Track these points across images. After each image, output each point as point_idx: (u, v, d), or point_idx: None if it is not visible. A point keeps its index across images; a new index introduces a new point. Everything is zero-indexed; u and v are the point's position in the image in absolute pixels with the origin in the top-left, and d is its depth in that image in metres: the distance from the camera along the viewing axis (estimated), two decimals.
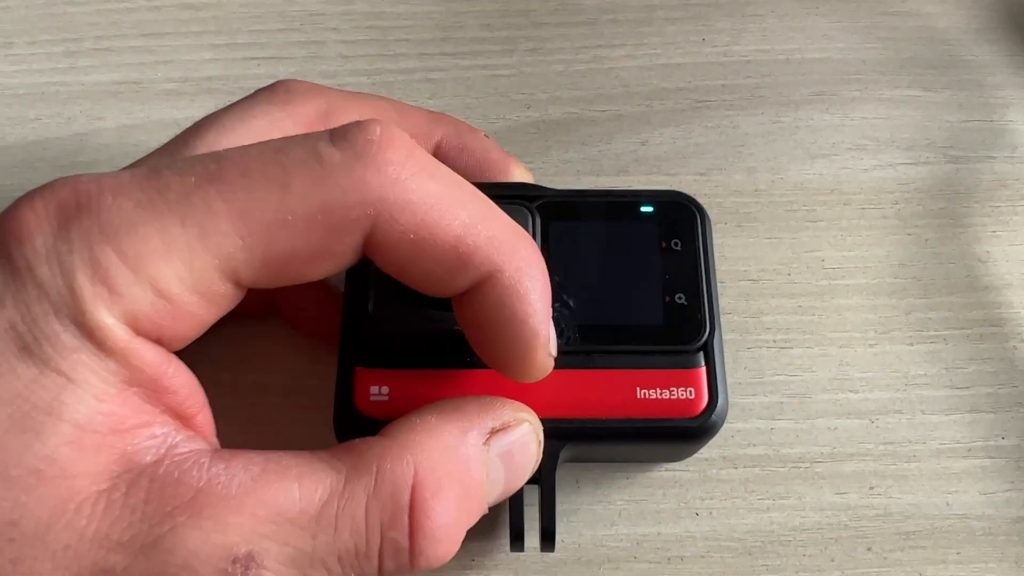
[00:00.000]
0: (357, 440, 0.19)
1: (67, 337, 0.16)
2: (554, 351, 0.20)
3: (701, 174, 0.31)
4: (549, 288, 0.20)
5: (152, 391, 0.18)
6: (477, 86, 0.33)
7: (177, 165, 0.18)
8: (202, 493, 0.17)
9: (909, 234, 0.30)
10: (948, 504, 0.25)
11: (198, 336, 0.19)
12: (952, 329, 0.28)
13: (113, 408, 0.17)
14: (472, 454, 0.20)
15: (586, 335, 0.23)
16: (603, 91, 0.33)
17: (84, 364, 0.17)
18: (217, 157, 0.18)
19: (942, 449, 0.26)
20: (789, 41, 0.34)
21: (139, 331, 0.17)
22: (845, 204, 0.30)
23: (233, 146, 0.22)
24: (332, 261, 0.18)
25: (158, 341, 0.18)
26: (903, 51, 0.34)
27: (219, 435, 0.20)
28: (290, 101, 0.23)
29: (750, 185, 0.31)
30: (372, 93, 0.26)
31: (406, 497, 0.18)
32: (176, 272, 0.17)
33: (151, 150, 0.32)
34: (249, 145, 0.18)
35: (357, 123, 0.18)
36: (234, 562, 0.17)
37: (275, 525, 0.17)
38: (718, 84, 0.33)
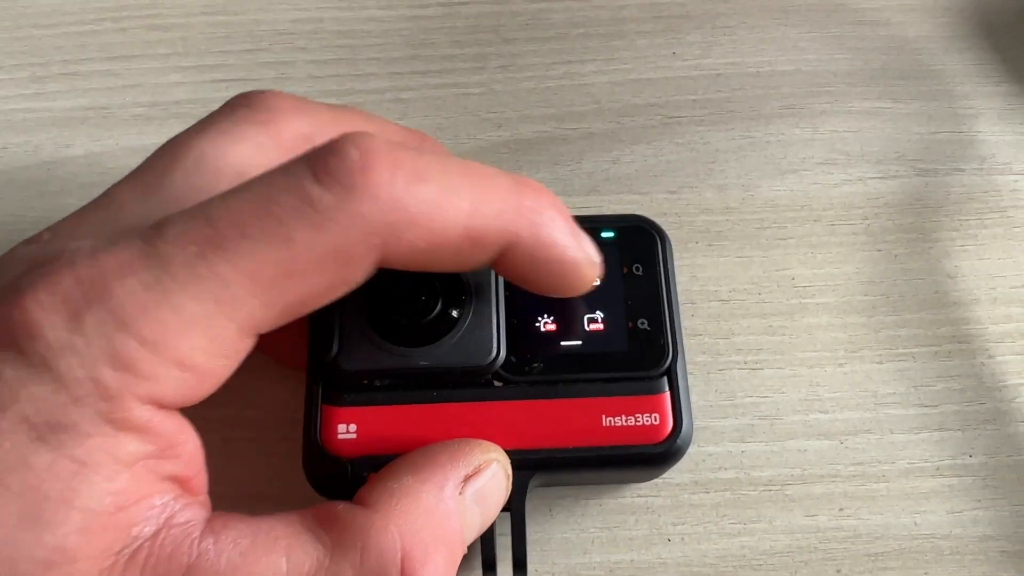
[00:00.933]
0: (340, 506, 0.19)
1: (86, 425, 0.16)
2: (596, 258, 0.21)
3: (672, 192, 0.31)
4: (567, 216, 0.20)
5: (161, 460, 0.18)
6: (448, 105, 0.33)
7: (171, 233, 0.17)
8: (193, 570, 0.17)
9: (879, 250, 0.30)
10: (916, 524, 0.25)
11: (217, 389, 0.19)
12: (921, 346, 0.28)
13: (122, 486, 0.17)
14: (451, 508, 0.20)
15: (551, 364, 0.23)
16: (574, 108, 0.33)
17: (99, 447, 0.17)
18: (208, 217, 0.17)
19: (910, 468, 0.26)
20: (759, 53, 0.34)
21: (163, 405, 0.17)
22: (815, 220, 0.30)
23: (217, 176, 0.21)
24: (347, 286, 0.19)
25: (179, 406, 0.18)
26: (873, 61, 0.34)
27: None
28: (273, 121, 0.22)
29: (721, 203, 0.31)
30: (347, 106, 0.26)
31: (395, 571, 0.19)
32: (199, 345, 0.17)
33: (120, 177, 0.32)
34: (237, 196, 0.18)
35: (333, 151, 0.18)
36: None
37: None
38: (688, 99, 0.33)
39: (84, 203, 0.32)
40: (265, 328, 0.18)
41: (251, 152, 0.22)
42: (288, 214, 0.17)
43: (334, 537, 0.19)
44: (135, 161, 0.32)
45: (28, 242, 0.22)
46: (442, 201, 0.18)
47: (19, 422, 0.16)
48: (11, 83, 0.34)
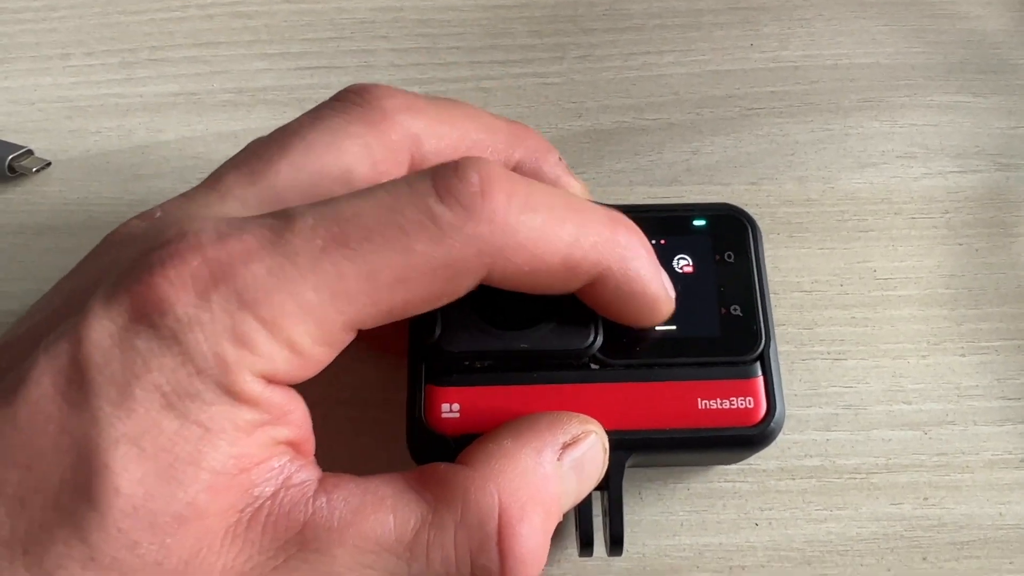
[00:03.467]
0: (441, 467, 0.21)
1: (208, 395, 0.18)
2: (671, 293, 0.23)
3: (752, 183, 0.32)
4: (652, 253, 0.22)
5: (275, 427, 0.19)
6: (528, 94, 0.34)
7: (299, 225, 0.19)
8: (308, 526, 0.19)
9: (960, 244, 0.30)
10: (1001, 514, 0.26)
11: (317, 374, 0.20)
12: (1004, 340, 0.28)
13: (243, 450, 0.18)
14: (549, 472, 0.21)
15: (647, 348, 0.24)
16: (653, 99, 0.34)
17: (221, 415, 0.18)
18: (338, 217, 0.19)
19: (994, 460, 0.27)
20: (837, 46, 0.35)
21: (272, 381, 0.19)
22: (896, 214, 0.31)
23: (323, 170, 0.22)
24: (449, 297, 0.20)
25: (285, 384, 0.19)
26: (952, 55, 0.34)
27: None
28: (382, 121, 0.23)
29: (801, 195, 0.31)
30: (455, 101, 0.26)
31: (493, 525, 0.20)
32: (309, 331, 0.18)
33: (212, 162, 0.32)
34: (365, 200, 0.19)
35: (456, 172, 0.19)
36: None
37: (374, 555, 0.19)
38: (767, 91, 0.34)
39: (178, 187, 0.33)
40: (368, 325, 0.20)
41: (358, 150, 0.23)
42: (412, 225, 0.19)
43: (436, 494, 0.20)
44: (225, 146, 0.33)
45: (141, 217, 0.23)
46: (547, 228, 0.20)
47: (151, 390, 0.17)
48: (102, 68, 0.35)
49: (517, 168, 0.26)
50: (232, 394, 0.18)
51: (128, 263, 0.19)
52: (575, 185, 0.26)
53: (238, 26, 0.36)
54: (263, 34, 0.36)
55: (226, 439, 0.18)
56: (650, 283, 0.22)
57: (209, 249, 0.18)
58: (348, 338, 0.20)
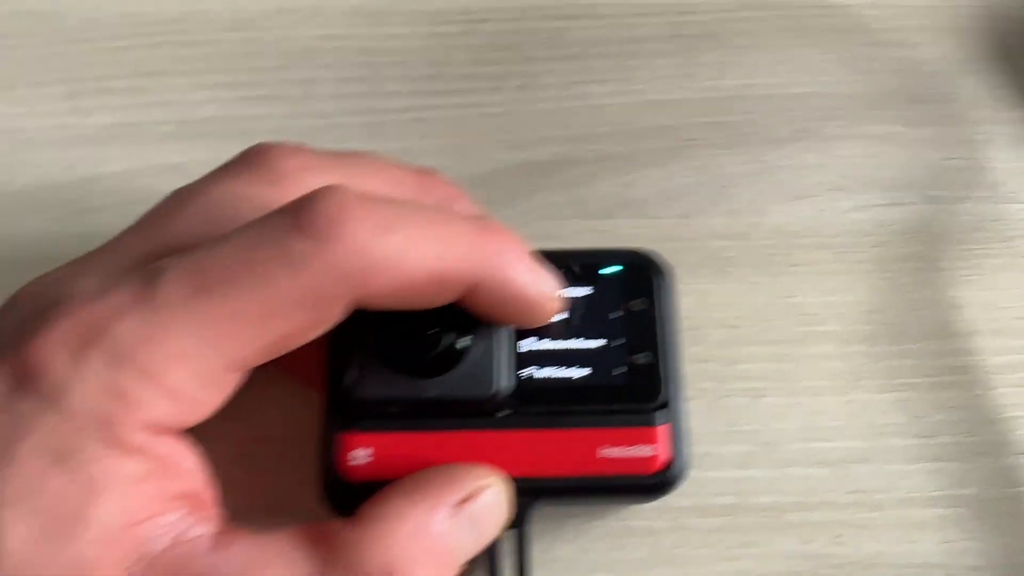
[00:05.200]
0: (335, 524, 0.21)
1: (94, 449, 0.19)
2: (555, 292, 0.23)
3: (683, 217, 0.32)
4: (526, 256, 0.22)
5: (164, 479, 0.20)
6: (467, 125, 0.34)
7: (165, 277, 0.20)
8: None
9: (885, 278, 0.30)
10: (910, 553, 0.26)
11: (210, 416, 0.21)
12: (922, 377, 0.29)
13: (130, 504, 0.19)
14: (443, 530, 0.21)
15: (553, 396, 0.24)
16: (590, 130, 0.34)
17: (107, 468, 0.19)
18: (199, 265, 0.20)
19: (906, 498, 0.27)
20: (774, 75, 0.35)
21: (158, 431, 0.20)
22: (824, 247, 0.31)
23: (217, 230, 0.23)
24: (325, 325, 0.21)
25: (176, 430, 0.20)
26: (886, 84, 0.34)
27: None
28: (280, 182, 0.24)
29: (732, 228, 0.32)
30: (359, 156, 0.27)
31: None
32: (189, 376, 0.19)
33: (156, 194, 0.33)
34: (224, 244, 0.20)
35: (311, 203, 0.20)
36: None
37: None
38: (702, 122, 0.34)
39: (121, 221, 0.33)
40: (251, 363, 0.20)
41: (253, 211, 0.23)
42: (269, 261, 0.19)
43: (325, 554, 0.20)
44: (171, 177, 0.33)
45: (37, 282, 0.24)
46: (410, 247, 0.20)
47: (35, 449, 0.18)
48: (47, 98, 0.35)
49: None
50: (117, 446, 0.19)
51: (12, 330, 0.20)
52: None
53: (184, 55, 0.36)
54: (208, 62, 0.36)
55: (114, 492, 0.19)
56: (528, 286, 0.22)
57: (80, 311, 0.19)
58: (234, 378, 0.21)
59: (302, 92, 0.35)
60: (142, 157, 0.34)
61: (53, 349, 0.19)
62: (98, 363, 0.19)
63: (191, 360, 0.19)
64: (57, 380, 0.19)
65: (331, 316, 0.21)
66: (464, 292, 0.22)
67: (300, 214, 0.20)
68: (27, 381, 0.19)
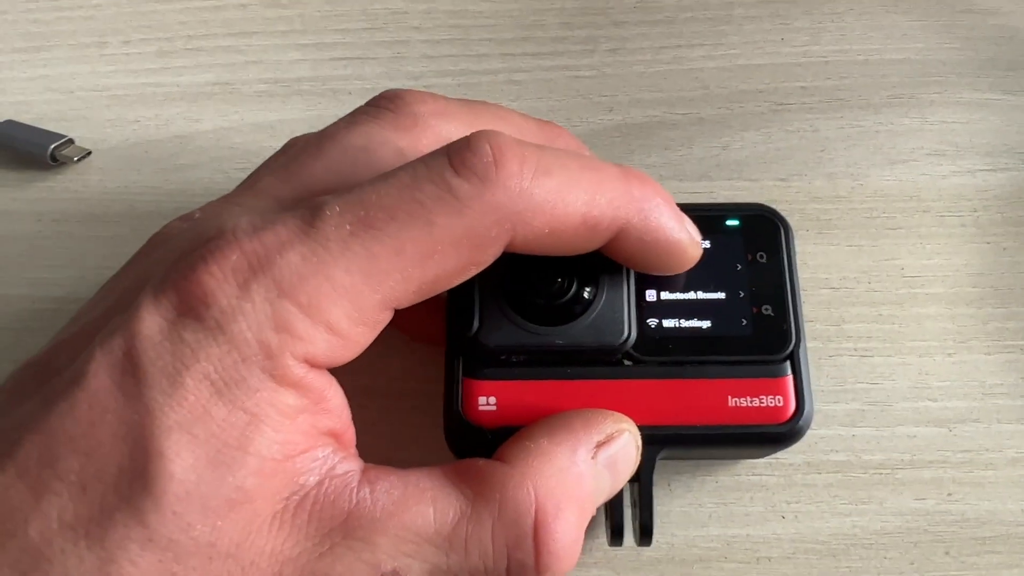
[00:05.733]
0: (480, 462, 0.21)
1: (253, 380, 0.19)
2: (697, 238, 0.23)
3: (782, 180, 0.32)
4: (671, 202, 0.23)
5: (316, 415, 0.20)
6: (559, 88, 0.34)
7: (327, 213, 0.19)
8: (352, 516, 0.19)
9: (987, 243, 0.30)
10: (1023, 511, 0.26)
11: (358, 355, 0.21)
12: None
13: (287, 437, 0.19)
14: (583, 470, 0.22)
15: (679, 346, 0.24)
16: (683, 93, 0.34)
17: (266, 401, 0.19)
18: (362, 202, 0.20)
19: (1018, 457, 0.27)
20: (868, 41, 0.35)
21: (314, 365, 0.20)
22: (924, 211, 0.31)
23: (356, 173, 0.23)
24: (477, 268, 0.21)
25: (327, 367, 0.20)
26: (982, 51, 0.34)
27: None
28: (414, 127, 0.24)
29: (830, 191, 0.31)
30: (486, 104, 0.27)
31: (529, 522, 0.20)
32: (346, 312, 0.19)
33: (248, 153, 0.33)
34: (386, 183, 0.20)
35: (469, 146, 0.20)
36: None
37: (414, 545, 0.20)
38: (797, 86, 0.34)
39: (215, 177, 0.34)
40: (404, 303, 0.20)
41: (390, 155, 0.24)
42: (431, 200, 0.20)
43: (475, 489, 0.21)
44: (261, 136, 0.34)
45: (182, 219, 0.24)
46: (564, 190, 0.21)
47: (200, 379, 0.18)
48: (139, 57, 0.35)
49: None
50: (276, 378, 0.19)
51: (173, 261, 0.20)
52: None
53: (272, 16, 0.36)
54: (297, 24, 0.36)
55: (271, 425, 0.19)
56: (672, 230, 0.23)
57: (246, 243, 0.19)
58: (385, 318, 0.20)
59: (392, 53, 0.35)
60: (234, 115, 0.34)
61: (220, 279, 0.19)
62: (263, 295, 0.19)
63: (350, 296, 0.19)
64: (224, 310, 0.19)
65: (485, 257, 0.21)
66: (612, 236, 0.22)
67: (460, 156, 0.20)
68: (192, 310, 0.19)
